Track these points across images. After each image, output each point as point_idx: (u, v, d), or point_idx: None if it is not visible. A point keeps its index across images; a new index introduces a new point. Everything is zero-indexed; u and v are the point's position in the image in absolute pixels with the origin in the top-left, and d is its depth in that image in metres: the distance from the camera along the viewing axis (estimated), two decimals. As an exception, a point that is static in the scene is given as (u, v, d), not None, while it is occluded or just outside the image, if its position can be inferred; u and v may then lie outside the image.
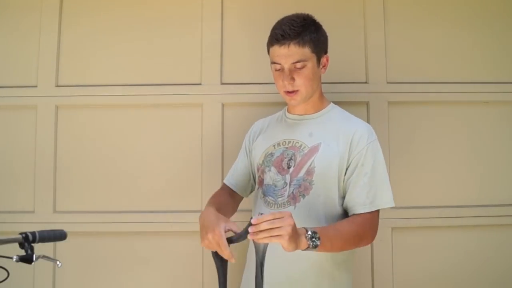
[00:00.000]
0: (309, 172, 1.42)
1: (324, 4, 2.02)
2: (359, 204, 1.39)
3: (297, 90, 1.43)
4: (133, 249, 1.95)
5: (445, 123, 1.99)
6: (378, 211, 1.42)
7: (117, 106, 2.00)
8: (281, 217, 1.14)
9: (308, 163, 1.43)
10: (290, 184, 1.44)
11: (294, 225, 1.16)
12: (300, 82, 1.41)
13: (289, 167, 1.46)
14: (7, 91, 1.99)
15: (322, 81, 1.91)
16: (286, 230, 1.13)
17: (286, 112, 1.59)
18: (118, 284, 1.94)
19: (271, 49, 1.44)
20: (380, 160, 1.44)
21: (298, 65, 1.40)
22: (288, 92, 1.44)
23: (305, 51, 1.39)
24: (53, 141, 1.97)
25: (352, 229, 1.35)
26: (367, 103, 1.98)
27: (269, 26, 1.58)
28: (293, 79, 1.41)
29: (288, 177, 1.45)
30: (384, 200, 1.42)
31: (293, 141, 1.49)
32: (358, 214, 1.39)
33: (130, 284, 1.94)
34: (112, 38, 2.03)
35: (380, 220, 1.44)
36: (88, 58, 2.02)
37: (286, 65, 1.40)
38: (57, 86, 2.00)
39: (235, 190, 1.64)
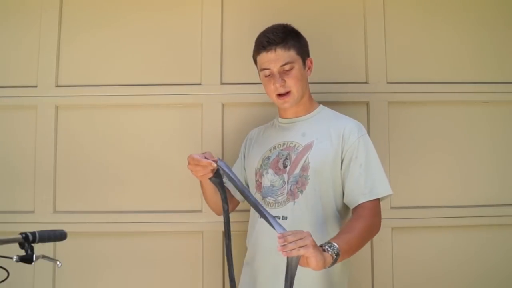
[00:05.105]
0: (305, 168, 1.47)
1: (324, 4, 2.03)
2: (359, 194, 1.44)
3: (288, 92, 1.50)
4: (133, 249, 1.94)
5: (445, 123, 1.99)
6: (378, 200, 1.46)
7: (117, 106, 2.00)
8: (301, 232, 1.19)
9: (303, 160, 1.48)
10: (288, 182, 1.49)
11: (314, 242, 1.20)
12: (291, 83, 1.49)
13: (285, 167, 1.51)
14: (7, 91, 1.99)
15: (323, 81, 1.92)
16: (309, 240, 1.18)
17: (278, 117, 1.66)
18: (118, 284, 1.94)
19: (259, 57, 1.53)
20: (373, 152, 1.49)
21: (286, 67, 1.48)
22: (280, 95, 1.51)
23: (291, 54, 1.49)
24: (53, 141, 1.97)
25: (361, 224, 1.38)
26: (367, 103, 1.98)
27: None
28: (283, 80, 1.48)
29: (286, 176, 1.50)
30: (382, 188, 1.46)
31: (287, 143, 1.55)
32: (361, 206, 1.42)
33: (130, 284, 1.94)
34: (112, 38, 2.02)
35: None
36: (88, 58, 2.02)
37: (275, 69, 1.49)
38: (57, 86, 2.00)
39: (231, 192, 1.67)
